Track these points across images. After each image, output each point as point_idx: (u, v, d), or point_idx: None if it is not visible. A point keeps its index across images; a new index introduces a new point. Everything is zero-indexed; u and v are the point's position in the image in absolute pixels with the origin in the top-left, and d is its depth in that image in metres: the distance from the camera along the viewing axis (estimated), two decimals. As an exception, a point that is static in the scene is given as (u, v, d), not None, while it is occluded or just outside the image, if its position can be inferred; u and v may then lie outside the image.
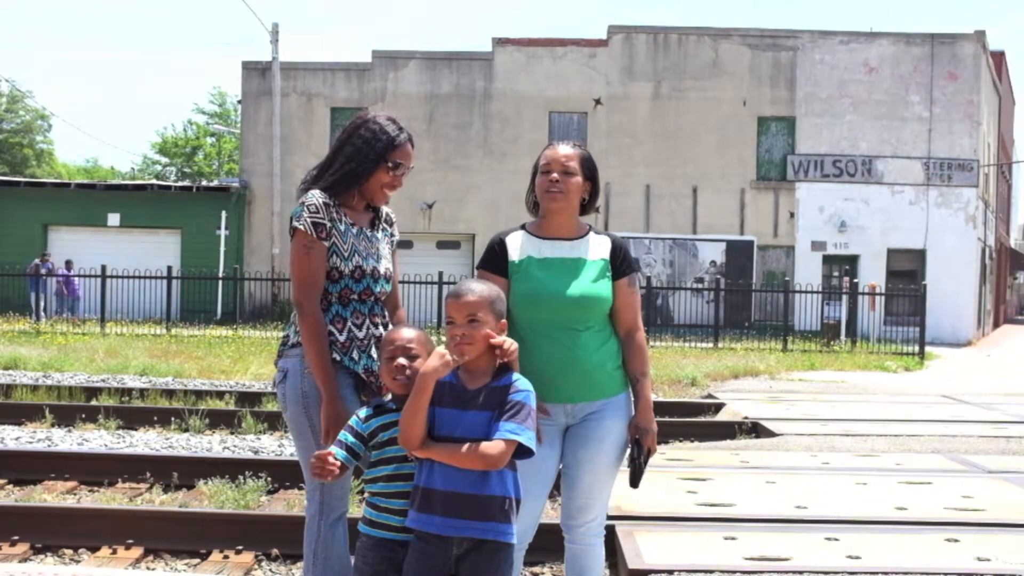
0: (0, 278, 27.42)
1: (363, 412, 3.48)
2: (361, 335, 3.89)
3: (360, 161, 3.90)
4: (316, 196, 3.86)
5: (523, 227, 3.93)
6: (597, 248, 3.86)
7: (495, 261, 3.83)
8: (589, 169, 3.87)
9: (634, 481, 3.85)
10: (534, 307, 3.74)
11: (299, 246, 3.83)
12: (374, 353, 3.88)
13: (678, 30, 30.68)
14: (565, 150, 3.84)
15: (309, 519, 3.92)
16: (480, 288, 3.36)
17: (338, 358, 3.81)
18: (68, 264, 27.97)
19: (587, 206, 3.93)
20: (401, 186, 4.01)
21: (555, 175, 3.80)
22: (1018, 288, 73.25)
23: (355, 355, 3.86)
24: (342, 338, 3.85)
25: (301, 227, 3.82)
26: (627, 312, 3.85)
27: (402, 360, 3.39)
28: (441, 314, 24.33)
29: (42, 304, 26.67)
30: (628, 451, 3.85)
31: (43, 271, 27.06)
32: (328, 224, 3.84)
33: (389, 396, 3.55)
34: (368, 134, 3.93)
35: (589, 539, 3.88)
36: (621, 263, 3.86)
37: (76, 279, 27.05)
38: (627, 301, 3.85)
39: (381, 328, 3.94)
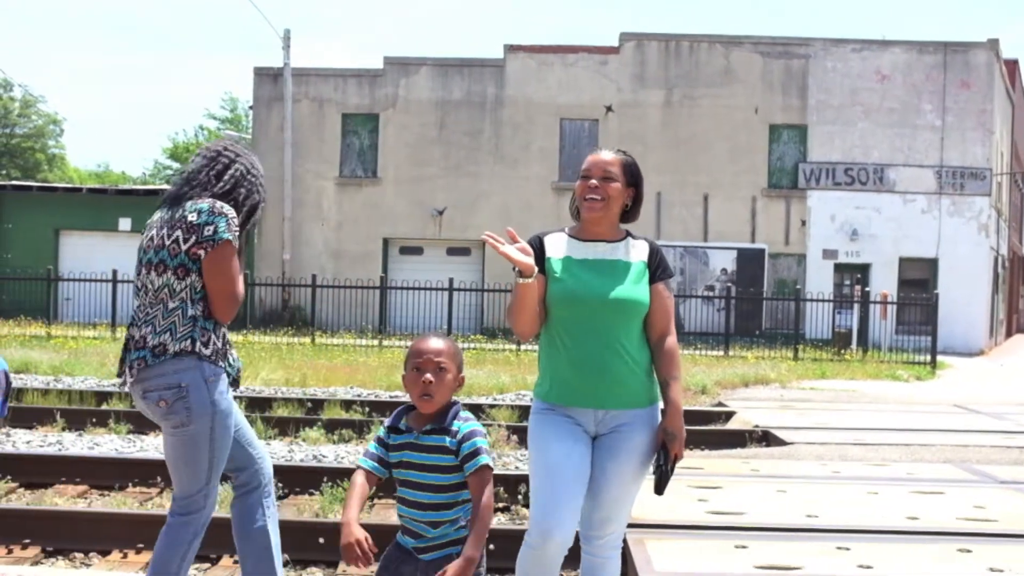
0: (13, 283, 27.54)
1: (385, 435, 3.38)
2: (228, 338, 4.10)
3: (250, 190, 4.12)
4: (232, 210, 4.00)
5: (563, 230, 3.90)
6: (636, 251, 3.83)
7: (533, 257, 3.74)
8: (632, 175, 3.82)
9: (659, 488, 3.78)
10: (572, 306, 3.70)
11: (231, 256, 3.94)
12: (235, 353, 4.14)
13: (690, 38, 30.67)
14: (607, 155, 3.80)
15: (184, 523, 3.98)
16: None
17: (221, 364, 3.97)
18: None
19: (629, 213, 3.89)
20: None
21: (594, 181, 3.75)
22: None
23: (231, 358, 4.07)
24: (219, 344, 3.98)
25: (231, 238, 3.94)
26: (662, 316, 3.79)
27: (429, 376, 3.27)
28: (452, 321, 24.36)
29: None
30: (654, 457, 3.78)
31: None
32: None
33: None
34: (245, 165, 4.14)
35: (607, 551, 3.82)
36: (658, 267, 3.82)
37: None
38: (663, 305, 3.79)
39: (224, 329, 4.09)
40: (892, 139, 30.05)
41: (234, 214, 3.97)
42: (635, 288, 3.74)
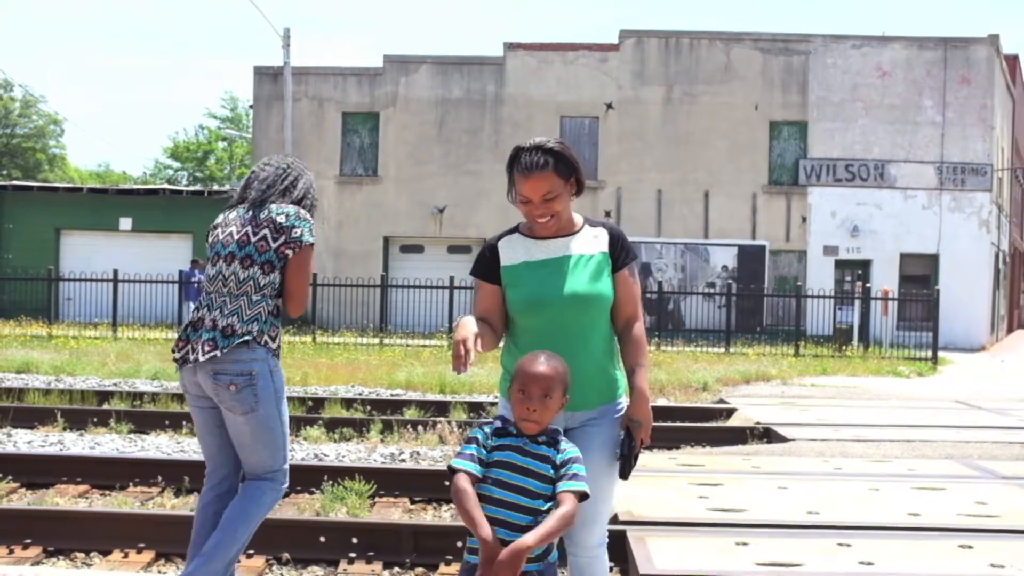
0: (14, 283, 27.56)
1: (489, 430, 3.33)
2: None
3: (310, 207, 4.50)
4: (308, 215, 4.41)
5: (516, 228, 3.74)
6: (594, 242, 3.67)
7: (485, 268, 3.68)
8: (567, 168, 3.60)
9: (623, 473, 3.68)
10: (533, 312, 3.59)
11: (309, 259, 4.37)
12: None
13: (690, 34, 30.65)
14: (537, 177, 3.54)
15: (266, 490, 4.33)
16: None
17: (277, 359, 4.35)
18: (196, 265, 27.08)
19: (577, 193, 3.70)
20: None
21: (540, 211, 3.57)
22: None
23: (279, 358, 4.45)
24: (276, 343, 4.37)
25: (313, 241, 4.35)
26: (628, 303, 3.68)
27: (535, 405, 3.24)
28: (452, 319, 24.32)
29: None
30: (619, 443, 3.67)
31: (195, 279, 26.08)
32: None
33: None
34: (309, 181, 4.54)
35: (593, 550, 3.70)
36: (620, 252, 3.68)
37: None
38: (628, 292, 3.67)
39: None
40: (893, 135, 30.03)
41: (309, 216, 4.39)
42: (596, 283, 3.61)
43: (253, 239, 4.28)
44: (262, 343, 4.25)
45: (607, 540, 3.80)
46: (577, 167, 3.64)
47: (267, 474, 4.35)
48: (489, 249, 3.71)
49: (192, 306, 25.76)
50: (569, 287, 3.59)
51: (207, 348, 4.20)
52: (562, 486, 3.21)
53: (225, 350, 4.18)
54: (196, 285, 25.83)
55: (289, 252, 4.28)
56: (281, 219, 4.29)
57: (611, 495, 3.77)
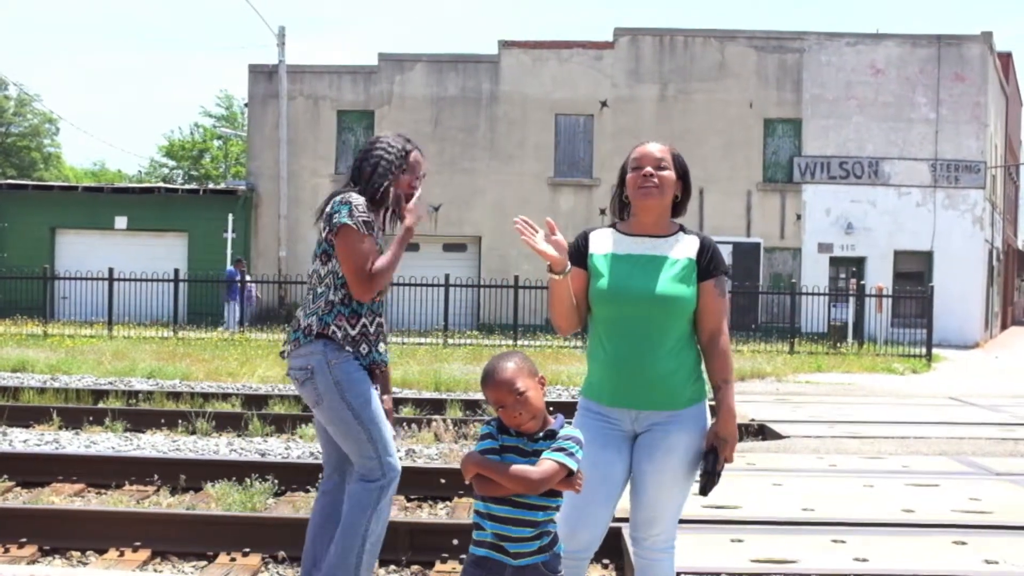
0: (9, 281, 27.49)
1: (495, 428, 3.29)
2: (372, 330, 4.37)
3: (387, 171, 4.35)
4: (360, 198, 4.28)
5: (613, 225, 3.81)
6: (684, 247, 3.70)
7: (575, 252, 3.70)
8: (680, 166, 3.75)
9: (704, 489, 3.71)
10: (611, 303, 3.61)
11: (353, 241, 4.20)
12: (381, 347, 4.43)
13: (684, 32, 30.67)
14: (656, 145, 3.75)
15: (363, 490, 4.27)
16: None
17: (350, 350, 4.24)
18: (239, 264, 26.99)
19: (679, 205, 3.80)
20: (417, 191, 4.42)
21: (648, 169, 3.67)
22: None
23: (363, 348, 4.33)
24: (353, 332, 4.28)
25: (352, 224, 4.20)
26: (712, 316, 3.66)
27: (517, 411, 3.18)
28: (447, 317, 24.35)
29: (235, 314, 25.69)
30: (703, 459, 3.68)
31: (239, 278, 26.04)
32: (373, 223, 4.29)
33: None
34: (381, 151, 4.38)
35: (655, 553, 3.73)
36: (708, 263, 3.67)
37: (252, 283, 26.38)
38: (712, 304, 3.65)
39: (380, 327, 4.44)
40: (886, 132, 30.08)
41: (361, 201, 4.26)
42: (677, 285, 3.61)
43: (322, 235, 4.38)
44: (324, 335, 4.24)
45: (673, 548, 3.76)
46: (688, 177, 3.79)
47: (363, 470, 4.31)
48: (582, 237, 3.77)
49: (234, 305, 25.84)
50: (650, 284, 3.60)
51: (291, 346, 4.36)
52: (545, 455, 3.15)
53: (292, 346, 4.32)
54: (239, 285, 25.82)
55: (333, 239, 4.28)
56: (329, 208, 4.34)
57: (677, 502, 3.74)
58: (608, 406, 3.63)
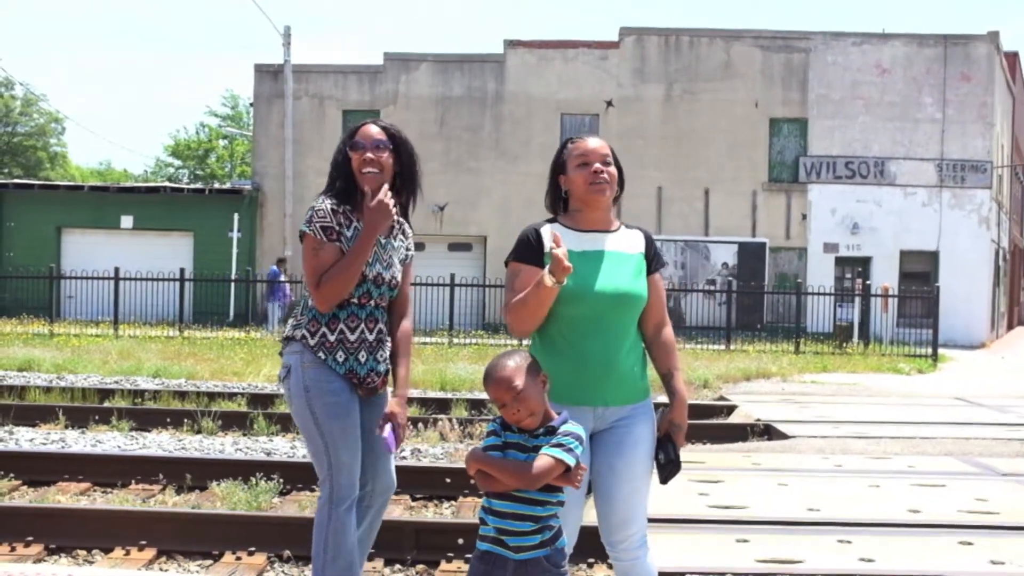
0: (15, 281, 27.55)
1: (499, 425, 3.33)
2: (352, 338, 4.09)
3: (337, 163, 4.23)
4: (325, 202, 4.11)
5: (551, 221, 3.77)
6: (632, 242, 3.74)
7: (530, 251, 3.65)
8: (616, 159, 3.76)
9: (666, 479, 3.72)
10: (579, 302, 3.57)
11: (308, 249, 4.06)
12: (362, 356, 4.10)
13: (689, 32, 30.64)
14: (598, 140, 3.74)
15: (320, 507, 4.08)
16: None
17: (323, 356, 4.05)
18: (281, 264, 26.78)
19: (616, 198, 3.80)
20: (378, 168, 4.17)
21: (598, 165, 3.66)
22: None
23: (339, 356, 4.07)
24: (332, 337, 4.08)
25: (309, 231, 4.06)
26: (658, 308, 3.74)
27: (516, 409, 3.22)
28: (452, 317, 24.36)
29: (278, 314, 25.34)
30: (661, 449, 3.71)
31: (283, 278, 25.78)
32: (336, 228, 4.06)
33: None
34: (341, 141, 4.31)
35: (634, 552, 3.69)
36: (654, 257, 3.76)
37: (287, 282, 26.18)
38: (660, 296, 3.75)
39: (373, 334, 4.14)
40: (893, 132, 30.03)
41: (325, 206, 4.07)
42: (637, 282, 3.66)
43: None
44: (299, 338, 4.09)
45: (648, 544, 3.75)
46: (622, 169, 3.79)
47: (320, 484, 4.09)
48: (533, 233, 3.69)
49: (276, 306, 25.69)
50: (615, 281, 3.62)
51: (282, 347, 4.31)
52: (543, 450, 3.19)
53: (283, 344, 4.25)
54: (283, 285, 25.74)
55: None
56: None
57: (645, 495, 3.73)
58: (572, 405, 3.53)
